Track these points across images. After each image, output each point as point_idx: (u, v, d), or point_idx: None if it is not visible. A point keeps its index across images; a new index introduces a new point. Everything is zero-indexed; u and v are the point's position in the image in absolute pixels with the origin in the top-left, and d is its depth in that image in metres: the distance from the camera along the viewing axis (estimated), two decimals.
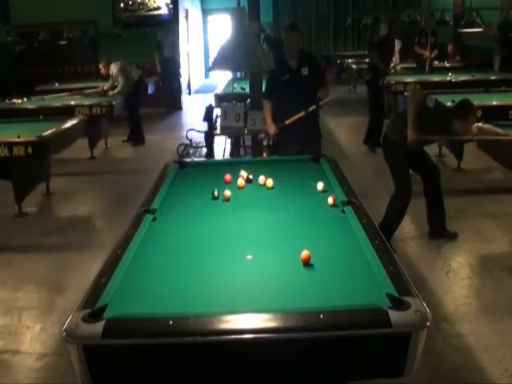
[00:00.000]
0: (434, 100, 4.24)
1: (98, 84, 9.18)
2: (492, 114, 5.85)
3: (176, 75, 11.86)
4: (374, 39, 9.22)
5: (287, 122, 4.68)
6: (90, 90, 9.00)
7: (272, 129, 4.75)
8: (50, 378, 2.99)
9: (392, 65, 9.42)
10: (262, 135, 5.02)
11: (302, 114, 4.64)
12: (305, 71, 4.78)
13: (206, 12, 17.06)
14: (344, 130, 8.97)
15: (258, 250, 2.59)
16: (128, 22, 11.98)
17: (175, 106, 11.70)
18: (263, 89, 5.77)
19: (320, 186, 3.45)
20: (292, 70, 4.79)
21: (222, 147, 6.65)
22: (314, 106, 4.67)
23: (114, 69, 8.43)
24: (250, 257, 2.51)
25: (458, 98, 6.94)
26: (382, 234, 2.75)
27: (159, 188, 3.55)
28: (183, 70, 12.53)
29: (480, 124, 5.19)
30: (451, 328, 3.31)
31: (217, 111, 6.05)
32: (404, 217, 4.48)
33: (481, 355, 3.02)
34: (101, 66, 8.72)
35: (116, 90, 8.48)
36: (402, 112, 4.45)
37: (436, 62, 10.61)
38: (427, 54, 10.11)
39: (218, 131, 5.80)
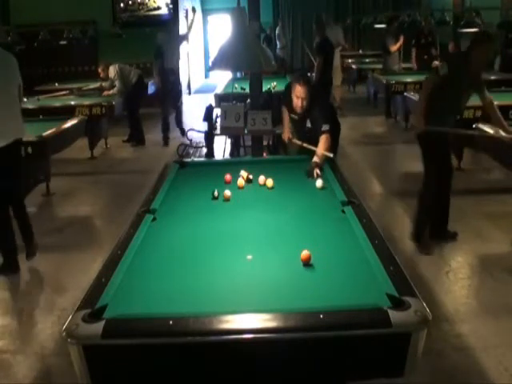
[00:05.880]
0: (446, 65, 4.19)
1: (97, 84, 9.20)
2: None
3: (177, 95, 8.98)
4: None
5: (294, 141, 4.56)
6: (86, 88, 9.00)
7: (286, 137, 4.66)
8: (50, 378, 2.99)
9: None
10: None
11: (300, 143, 4.37)
12: (308, 123, 4.34)
13: (206, 12, 17.06)
14: (344, 130, 8.93)
15: (257, 250, 2.59)
16: (128, 21, 12.00)
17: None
18: (262, 89, 5.78)
19: (319, 183, 3.48)
20: (298, 114, 4.42)
21: (222, 147, 6.65)
22: (313, 148, 4.12)
23: (112, 72, 8.46)
24: (249, 257, 2.51)
25: None
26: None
27: (159, 188, 3.55)
28: (183, 79, 10.43)
29: (480, 125, 5.20)
30: (451, 328, 3.30)
31: (217, 111, 6.05)
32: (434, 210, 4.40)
33: (481, 355, 3.02)
34: (99, 70, 8.75)
35: (111, 92, 8.50)
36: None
37: (436, 62, 10.61)
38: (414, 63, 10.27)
39: (218, 131, 5.80)
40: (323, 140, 4.00)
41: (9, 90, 4.05)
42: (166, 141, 8.56)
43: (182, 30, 10.88)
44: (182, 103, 9.13)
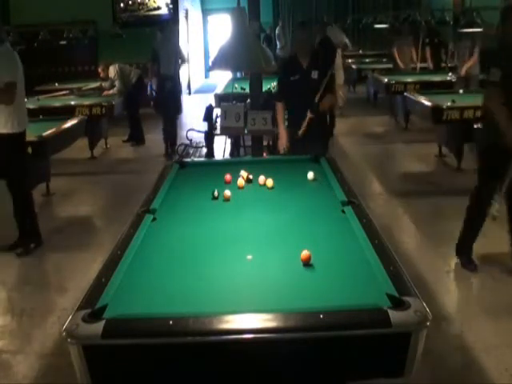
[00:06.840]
0: (497, 69, 3.82)
1: (97, 84, 9.20)
2: None
3: (176, 102, 8.53)
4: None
5: (300, 133, 4.58)
6: (86, 88, 8.97)
7: (282, 143, 4.68)
8: (50, 378, 2.99)
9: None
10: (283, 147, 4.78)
11: (309, 116, 4.52)
12: (315, 74, 4.51)
13: (205, 12, 17.07)
14: (344, 130, 8.98)
15: (257, 250, 2.59)
16: (128, 21, 11.99)
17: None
18: (262, 90, 5.78)
19: (310, 175, 3.58)
20: (302, 71, 4.56)
21: (222, 147, 6.65)
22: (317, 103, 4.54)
23: (112, 72, 8.45)
24: (249, 257, 2.51)
25: (458, 98, 6.91)
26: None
27: (159, 188, 3.55)
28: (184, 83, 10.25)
29: (480, 126, 5.18)
30: (451, 328, 3.31)
31: (217, 111, 6.05)
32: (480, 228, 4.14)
33: (481, 355, 3.02)
34: (99, 70, 8.75)
35: (111, 92, 8.50)
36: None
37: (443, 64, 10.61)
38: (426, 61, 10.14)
39: (218, 131, 5.80)
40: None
41: (21, 86, 4.37)
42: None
43: (182, 31, 10.81)
44: (180, 112, 8.65)
